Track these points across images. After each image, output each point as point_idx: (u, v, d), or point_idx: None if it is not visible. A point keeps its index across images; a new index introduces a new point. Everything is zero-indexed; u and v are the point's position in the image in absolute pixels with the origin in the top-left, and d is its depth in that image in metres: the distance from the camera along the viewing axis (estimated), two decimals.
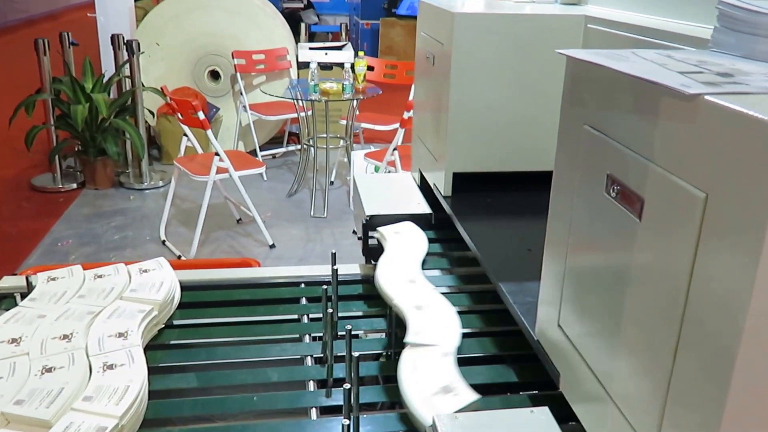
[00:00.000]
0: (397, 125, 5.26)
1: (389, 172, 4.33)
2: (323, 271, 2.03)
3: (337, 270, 1.78)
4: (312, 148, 4.92)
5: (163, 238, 4.14)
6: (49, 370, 1.32)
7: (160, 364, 1.51)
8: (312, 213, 4.72)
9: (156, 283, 1.71)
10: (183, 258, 3.91)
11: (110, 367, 1.35)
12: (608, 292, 0.87)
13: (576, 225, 0.97)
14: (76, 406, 1.22)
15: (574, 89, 0.97)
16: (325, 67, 5.75)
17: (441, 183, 1.83)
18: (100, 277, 1.71)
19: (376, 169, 4.63)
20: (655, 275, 0.76)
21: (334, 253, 1.86)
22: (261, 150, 5.61)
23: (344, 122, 5.25)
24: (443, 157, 1.81)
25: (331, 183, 5.21)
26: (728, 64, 0.88)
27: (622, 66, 0.84)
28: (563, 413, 1.08)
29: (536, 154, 1.81)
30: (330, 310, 1.54)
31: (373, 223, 1.90)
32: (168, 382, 1.45)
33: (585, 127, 0.93)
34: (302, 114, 4.96)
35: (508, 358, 1.33)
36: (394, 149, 4.02)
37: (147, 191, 5.03)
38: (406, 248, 1.74)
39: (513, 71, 1.72)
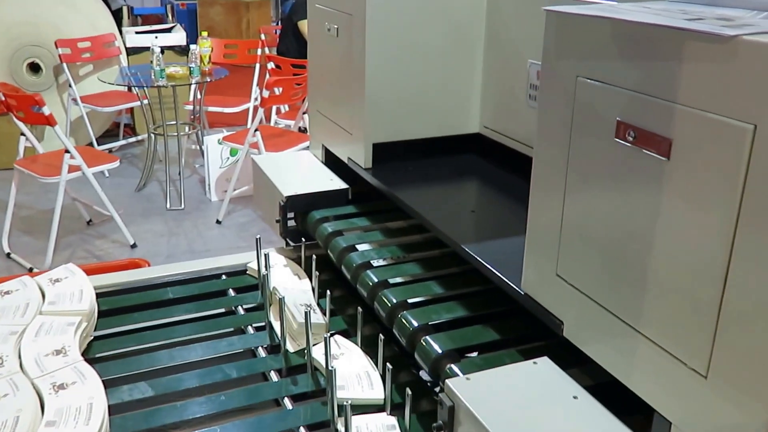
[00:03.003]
0: (245, 106, 5.14)
1: (248, 154, 4.21)
2: (241, 260, 1.95)
3: (268, 255, 1.72)
4: (159, 137, 4.66)
5: (7, 250, 3.74)
6: None
7: (102, 378, 1.38)
8: (168, 206, 4.49)
9: (75, 293, 1.56)
10: (36, 270, 3.56)
11: (62, 387, 1.22)
12: (631, 232, 0.91)
13: (577, 173, 1.00)
14: None
15: (561, 43, 1.00)
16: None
17: (359, 156, 1.81)
18: (7, 293, 1.52)
19: (233, 153, 4.49)
20: (695, 207, 0.81)
21: (259, 238, 1.80)
22: (98, 145, 5.22)
23: (189, 107, 5.03)
24: (360, 130, 1.79)
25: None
26: (708, 12, 0.95)
27: (632, 17, 0.88)
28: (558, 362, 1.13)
29: (451, 118, 1.85)
30: (282, 296, 1.48)
31: (291, 203, 1.84)
32: (121, 395, 1.34)
33: (580, 79, 0.97)
34: (146, 102, 4.66)
35: (480, 318, 1.36)
36: (256, 130, 3.90)
37: None
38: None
39: (423, 38, 1.74)
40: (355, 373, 1.40)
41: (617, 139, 0.91)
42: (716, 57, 0.76)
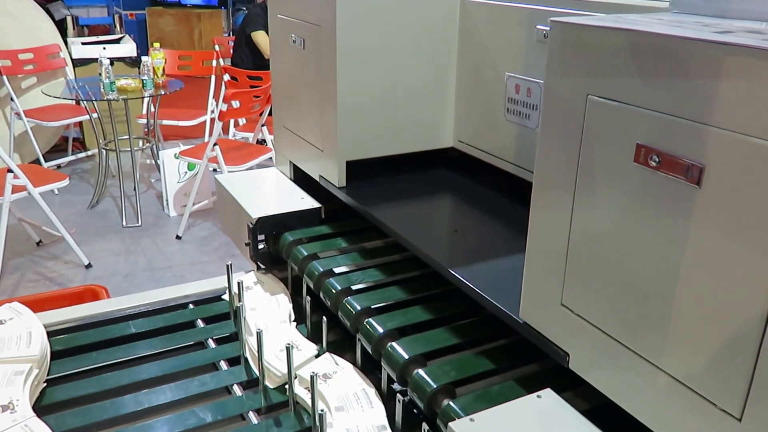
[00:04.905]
0: (201, 119, 4.99)
1: (214, 170, 4.08)
2: (207, 286, 1.82)
3: (242, 283, 1.61)
4: (111, 153, 4.48)
5: None
6: None
7: None
8: (124, 223, 4.31)
9: (23, 335, 1.42)
10: None
11: None
12: (653, 264, 0.83)
13: (587, 198, 0.92)
14: None
15: (568, 58, 0.92)
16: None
17: (333, 174, 1.71)
18: None
19: (190, 167, 4.34)
20: (731, 239, 0.73)
21: (230, 265, 1.68)
22: (45, 161, 5.01)
23: (142, 121, 4.85)
24: (332, 147, 1.69)
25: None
26: (726, 24, 0.88)
27: (652, 29, 0.80)
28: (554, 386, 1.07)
29: (425, 133, 1.76)
30: (260, 329, 1.37)
31: (261, 225, 1.73)
32: None
33: (591, 98, 0.89)
34: (95, 116, 4.47)
35: (468, 345, 1.27)
36: (215, 144, 3.76)
37: None
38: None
39: (396, 51, 1.65)
40: (353, 391, 1.31)
41: (636, 163, 0.83)
42: (758, 74, 0.69)
